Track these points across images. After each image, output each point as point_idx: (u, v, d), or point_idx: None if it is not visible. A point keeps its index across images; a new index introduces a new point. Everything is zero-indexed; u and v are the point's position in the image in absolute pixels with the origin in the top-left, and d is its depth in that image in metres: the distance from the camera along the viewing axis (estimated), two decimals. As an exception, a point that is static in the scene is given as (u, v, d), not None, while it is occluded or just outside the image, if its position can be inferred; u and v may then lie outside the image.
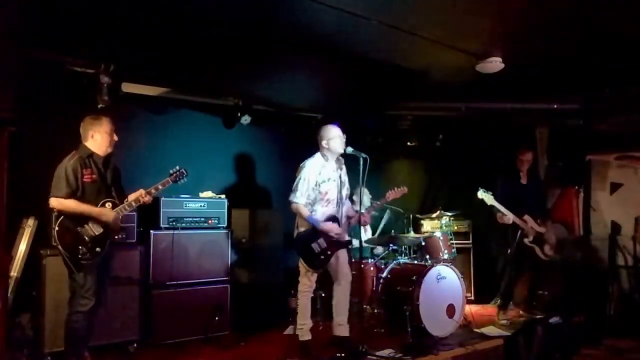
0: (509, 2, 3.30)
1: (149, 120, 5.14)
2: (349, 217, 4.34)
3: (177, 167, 3.89)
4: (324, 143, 4.24)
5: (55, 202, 3.47)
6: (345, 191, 4.35)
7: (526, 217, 5.18)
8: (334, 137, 4.22)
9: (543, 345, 3.74)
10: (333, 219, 4.22)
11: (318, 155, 4.29)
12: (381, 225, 5.92)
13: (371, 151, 4.07)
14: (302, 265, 4.19)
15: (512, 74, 4.51)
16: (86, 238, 3.50)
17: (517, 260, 5.31)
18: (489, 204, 5.00)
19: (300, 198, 4.14)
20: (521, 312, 5.45)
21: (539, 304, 5.59)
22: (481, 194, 4.97)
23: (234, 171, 5.75)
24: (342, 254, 4.32)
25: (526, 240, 5.20)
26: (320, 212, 4.21)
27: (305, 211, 4.13)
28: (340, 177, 4.28)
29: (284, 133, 6.08)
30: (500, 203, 5.03)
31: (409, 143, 6.97)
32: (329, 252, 4.17)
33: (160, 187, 3.79)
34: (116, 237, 3.83)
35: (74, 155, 3.60)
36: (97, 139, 3.65)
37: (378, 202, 4.76)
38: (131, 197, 3.71)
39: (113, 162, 3.80)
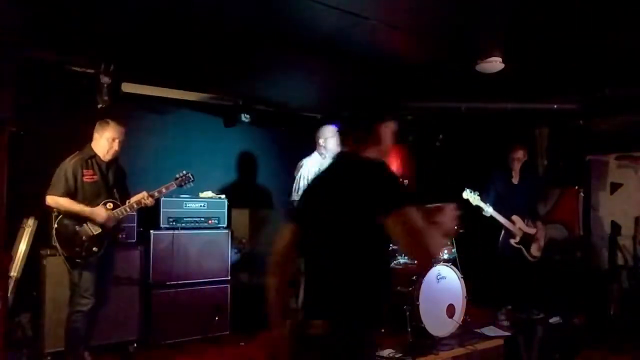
0: (510, 2, 3.30)
1: (149, 120, 5.14)
2: None
3: (184, 172, 3.87)
4: (321, 141, 4.28)
5: (50, 200, 3.49)
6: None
7: (514, 217, 5.13)
8: (331, 137, 4.24)
9: (543, 345, 3.74)
10: None
11: (315, 154, 4.32)
12: None
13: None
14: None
15: (512, 74, 4.51)
16: (84, 237, 3.51)
17: (504, 261, 5.29)
18: (474, 204, 4.92)
19: None
20: (520, 312, 5.44)
21: (538, 304, 5.58)
22: (467, 194, 4.88)
23: (234, 171, 5.75)
24: None
25: (512, 241, 5.16)
26: None
27: None
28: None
29: (284, 133, 6.08)
30: (491, 203, 5.00)
31: (408, 142, 6.97)
32: None
33: (164, 190, 3.78)
34: (120, 236, 3.83)
35: (75, 155, 3.61)
36: (99, 142, 3.67)
37: None
38: (133, 199, 3.71)
39: (117, 163, 3.80)
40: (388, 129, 1.93)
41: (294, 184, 4.21)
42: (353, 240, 1.69)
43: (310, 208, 1.87)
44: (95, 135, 3.66)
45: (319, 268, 1.78)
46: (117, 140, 3.66)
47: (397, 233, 1.61)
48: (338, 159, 1.94)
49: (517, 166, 5.33)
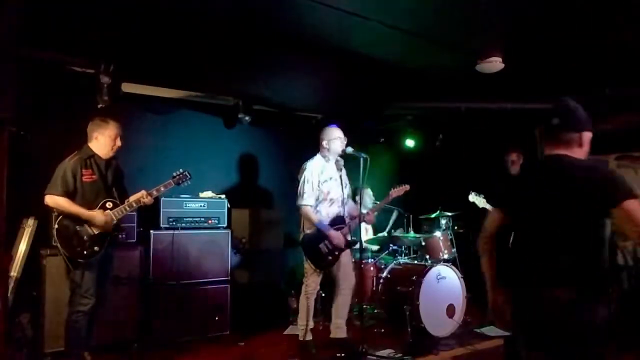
0: (510, 2, 3.30)
1: (149, 120, 5.14)
2: (352, 217, 4.34)
3: (181, 170, 3.88)
4: (324, 143, 4.26)
5: (48, 199, 3.49)
6: (347, 191, 4.35)
7: None
8: (334, 138, 4.23)
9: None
10: (339, 219, 4.22)
11: (318, 156, 4.31)
12: (390, 224, 5.92)
13: (371, 151, 4.07)
14: (308, 266, 4.18)
15: (512, 74, 4.51)
16: (85, 237, 3.51)
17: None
18: (480, 206, 4.93)
19: (308, 200, 4.14)
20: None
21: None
22: (472, 197, 4.88)
23: (234, 171, 5.75)
24: (346, 255, 4.31)
25: None
26: (325, 213, 4.20)
27: (314, 216, 4.14)
28: (341, 177, 4.28)
29: (284, 133, 6.09)
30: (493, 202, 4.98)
31: (408, 143, 6.98)
32: (335, 253, 4.18)
33: (162, 188, 3.78)
34: (120, 236, 3.83)
35: (74, 155, 3.61)
36: (100, 141, 3.66)
37: (379, 202, 4.75)
38: (132, 198, 3.71)
39: (116, 162, 3.81)
40: (590, 135, 2.35)
41: (299, 188, 4.20)
42: (581, 226, 2.07)
43: (530, 201, 2.22)
44: (95, 135, 3.66)
45: (544, 246, 2.16)
46: (119, 137, 3.70)
47: (624, 222, 2.01)
48: (551, 160, 2.25)
49: (514, 168, 5.34)
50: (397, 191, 4.55)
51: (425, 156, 7.03)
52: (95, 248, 3.54)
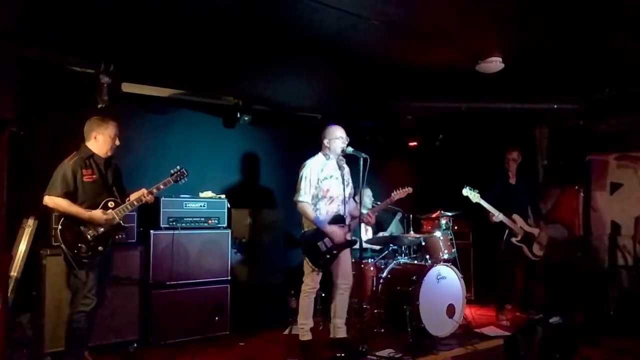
0: (509, 2, 3.30)
1: (149, 120, 5.14)
2: (352, 217, 4.33)
3: (178, 167, 3.91)
4: (325, 142, 4.27)
5: (48, 200, 3.48)
6: (349, 190, 4.35)
7: (515, 216, 5.17)
8: (335, 138, 4.23)
9: (543, 345, 3.73)
10: (339, 218, 4.21)
11: (320, 154, 4.31)
12: (389, 230, 5.92)
13: (371, 151, 4.07)
14: (307, 265, 4.18)
15: (512, 74, 4.51)
16: (88, 237, 3.51)
17: (507, 260, 5.31)
18: (474, 201, 4.97)
19: (305, 197, 4.15)
20: (519, 312, 5.45)
21: (537, 303, 5.60)
22: (466, 192, 4.93)
23: (234, 171, 5.75)
24: (345, 255, 4.31)
25: (514, 240, 5.20)
26: (325, 211, 4.20)
27: (311, 212, 4.14)
28: (343, 175, 4.28)
29: (284, 133, 6.09)
30: (489, 201, 5.02)
31: (409, 143, 6.99)
32: (334, 252, 4.17)
33: (161, 186, 3.80)
34: (117, 236, 3.83)
35: (74, 156, 3.61)
36: (100, 140, 3.66)
37: (381, 203, 4.74)
38: (133, 196, 3.72)
39: (114, 162, 3.81)
40: None
41: (298, 185, 4.20)
42: None
43: None
44: (94, 134, 3.66)
45: None
46: (117, 137, 3.72)
47: None
48: None
49: (513, 167, 5.39)
50: (399, 193, 4.49)
51: (426, 156, 7.03)
52: (100, 248, 3.55)
